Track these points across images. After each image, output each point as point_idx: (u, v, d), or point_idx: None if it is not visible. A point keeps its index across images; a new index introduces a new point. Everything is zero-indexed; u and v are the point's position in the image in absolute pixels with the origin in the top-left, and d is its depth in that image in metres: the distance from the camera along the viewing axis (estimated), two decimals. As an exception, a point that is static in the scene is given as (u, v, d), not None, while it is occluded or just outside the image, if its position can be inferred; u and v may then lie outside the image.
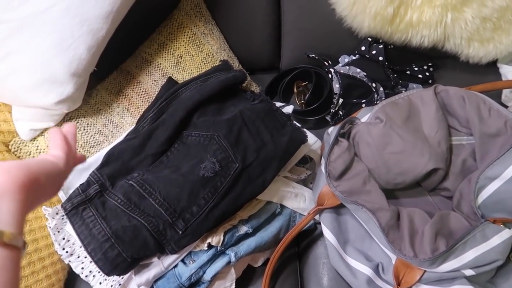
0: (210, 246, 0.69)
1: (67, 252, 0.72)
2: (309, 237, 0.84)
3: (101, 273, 0.72)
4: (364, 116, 0.85)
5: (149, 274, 0.67)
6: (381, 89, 0.93)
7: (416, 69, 0.96)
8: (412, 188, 0.83)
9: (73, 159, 0.40)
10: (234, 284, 0.73)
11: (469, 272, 0.66)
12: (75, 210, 0.67)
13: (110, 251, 0.62)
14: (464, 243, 0.66)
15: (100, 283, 0.71)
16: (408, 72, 0.96)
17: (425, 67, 0.98)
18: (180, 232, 0.65)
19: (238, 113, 0.75)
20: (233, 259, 0.69)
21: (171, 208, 0.66)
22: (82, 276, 0.72)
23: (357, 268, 0.74)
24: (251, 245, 0.72)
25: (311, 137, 0.82)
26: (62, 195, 0.74)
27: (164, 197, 0.67)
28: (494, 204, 0.72)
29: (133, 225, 0.64)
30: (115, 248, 0.62)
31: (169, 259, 0.68)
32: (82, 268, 0.72)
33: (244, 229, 0.72)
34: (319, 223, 0.81)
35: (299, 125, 0.78)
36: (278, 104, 0.85)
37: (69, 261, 0.72)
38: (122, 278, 0.70)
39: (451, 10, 0.84)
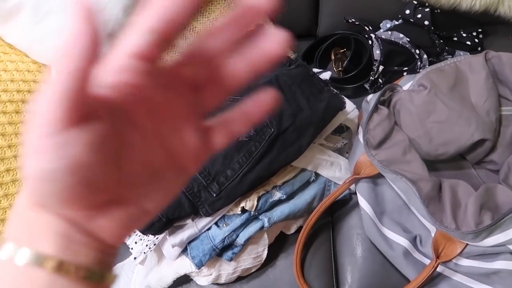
0: (243, 211, 0.69)
1: (104, 211, 0.73)
2: (343, 207, 0.82)
3: (137, 232, 0.73)
4: (406, 84, 0.80)
5: (183, 235, 0.67)
6: (425, 56, 0.88)
7: (464, 35, 0.90)
8: (455, 160, 0.79)
9: None
10: (266, 249, 0.73)
11: (515, 248, 0.62)
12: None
13: (145, 210, 0.63)
14: (512, 217, 0.62)
15: (136, 242, 0.73)
16: (456, 39, 0.90)
17: (474, 34, 0.91)
18: (214, 195, 0.65)
19: (273, 77, 0.73)
20: (266, 224, 0.69)
21: (205, 171, 0.66)
22: (119, 236, 0.74)
23: (394, 239, 0.71)
24: (285, 211, 0.71)
25: (348, 105, 0.78)
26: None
27: (199, 160, 0.67)
28: (546, 178, 0.67)
29: (168, 186, 0.65)
30: (150, 208, 0.63)
31: (203, 222, 0.68)
32: (119, 228, 0.74)
33: (277, 195, 0.70)
34: (354, 193, 0.79)
35: (337, 92, 0.75)
36: (315, 70, 0.82)
37: (106, 220, 0.73)
38: (157, 238, 0.71)
39: (508, -31, 0.77)
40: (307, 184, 0.76)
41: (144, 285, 0.75)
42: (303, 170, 0.74)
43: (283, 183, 0.72)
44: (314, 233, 0.80)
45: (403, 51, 0.87)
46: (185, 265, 0.70)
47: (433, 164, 0.79)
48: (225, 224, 0.69)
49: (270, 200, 0.70)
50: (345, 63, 0.90)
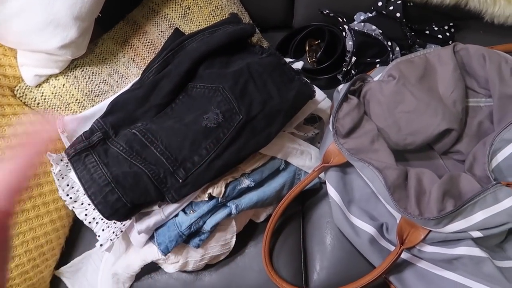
0: (211, 197, 0.68)
1: (71, 198, 0.72)
2: (313, 196, 0.83)
3: (104, 220, 0.73)
4: (377, 75, 0.81)
5: (149, 221, 0.67)
6: (397, 48, 0.89)
7: (436, 29, 0.91)
8: (423, 151, 0.80)
9: None
10: (234, 237, 0.73)
11: (476, 234, 0.64)
12: (78, 156, 0.68)
13: (110, 195, 0.62)
14: (473, 204, 0.63)
15: (103, 230, 0.72)
16: (427, 32, 0.91)
17: (446, 27, 0.92)
18: (181, 181, 0.65)
19: (245, 66, 0.73)
20: (234, 211, 0.69)
21: (172, 157, 0.66)
22: (86, 223, 0.73)
23: (361, 227, 0.72)
24: (253, 199, 0.71)
25: (319, 94, 0.79)
26: (66, 142, 0.74)
27: (166, 146, 0.66)
28: (509, 168, 0.69)
29: (133, 172, 0.64)
30: (115, 193, 0.62)
31: (170, 208, 0.67)
32: (86, 215, 0.73)
33: (246, 182, 0.71)
34: (324, 183, 0.79)
35: (308, 81, 0.75)
36: (287, 60, 0.82)
37: (73, 207, 0.73)
38: (124, 225, 0.70)
39: (477, -37, 0.79)
40: (276, 172, 0.76)
41: (111, 273, 0.74)
42: (272, 158, 0.75)
43: (252, 170, 0.72)
44: (284, 222, 0.80)
45: (375, 43, 0.88)
46: (152, 252, 0.70)
47: (402, 154, 0.80)
48: (192, 211, 0.69)
49: (239, 187, 0.70)
50: (319, 54, 0.90)
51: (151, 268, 0.75)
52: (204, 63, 0.76)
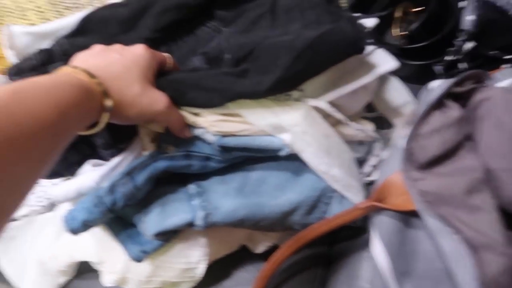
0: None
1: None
2: (349, 234, 0.54)
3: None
4: (506, 80, 0.50)
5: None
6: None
7: None
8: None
9: None
10: (204, 262, 0.46)
11: None
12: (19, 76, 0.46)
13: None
14: None
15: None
16: None
17: None
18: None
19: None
20: (199, 223, 0.42)
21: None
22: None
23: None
24: (239, 209, 0.43)
25: (391, 63, 0.48)
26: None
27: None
28: None
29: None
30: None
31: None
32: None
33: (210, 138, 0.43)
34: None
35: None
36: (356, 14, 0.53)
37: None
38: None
39: None
40: (276, 166, 0.47)
41: (37, 258, 0.53)
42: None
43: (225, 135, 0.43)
44: (293, 266, 0.53)
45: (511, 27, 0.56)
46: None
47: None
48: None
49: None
50: (414, 25, 0.60)
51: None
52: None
